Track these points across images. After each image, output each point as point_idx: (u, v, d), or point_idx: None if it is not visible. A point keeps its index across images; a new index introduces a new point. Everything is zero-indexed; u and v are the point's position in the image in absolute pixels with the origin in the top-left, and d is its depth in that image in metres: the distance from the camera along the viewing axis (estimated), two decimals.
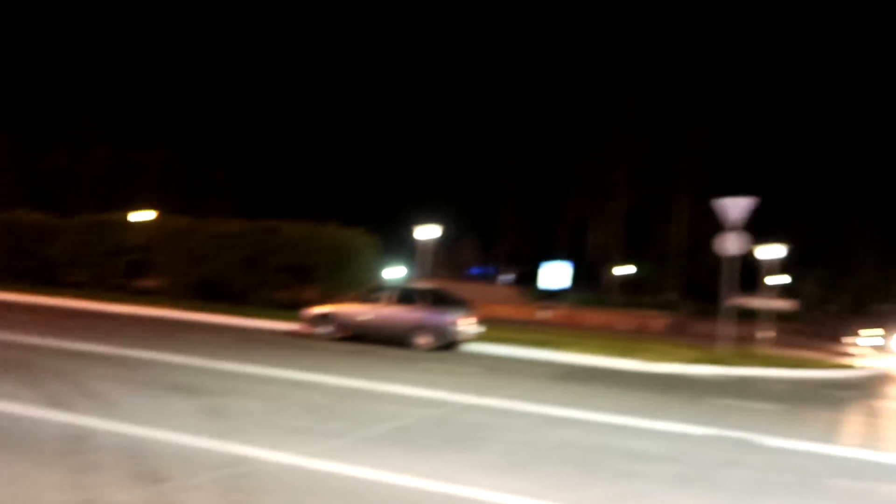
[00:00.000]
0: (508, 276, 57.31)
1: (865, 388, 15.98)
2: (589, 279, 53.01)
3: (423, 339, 15.90)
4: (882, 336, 30.66)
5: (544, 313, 36.92)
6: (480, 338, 17.07)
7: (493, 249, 61.88)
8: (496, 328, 19.82)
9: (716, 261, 19.49)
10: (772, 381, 15.32)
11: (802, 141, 51.03)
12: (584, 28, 52.19)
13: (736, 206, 18.78)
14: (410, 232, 31.19)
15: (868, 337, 30.85)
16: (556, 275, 51.24)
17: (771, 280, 28.09)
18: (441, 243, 37.49)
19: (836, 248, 52.50)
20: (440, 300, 16.77)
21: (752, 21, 50.04)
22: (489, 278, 56.76)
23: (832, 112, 49.60)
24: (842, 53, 50.66)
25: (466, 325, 16.44)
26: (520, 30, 51.31)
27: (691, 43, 50.57)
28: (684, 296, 49.28)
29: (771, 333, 24.54)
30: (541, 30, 51.51)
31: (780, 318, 28.00)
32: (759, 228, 21.80)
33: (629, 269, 53.32)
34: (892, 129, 50.35)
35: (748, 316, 24.39)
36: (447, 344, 16.08)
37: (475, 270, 60.37)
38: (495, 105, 53.43)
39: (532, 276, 52.19)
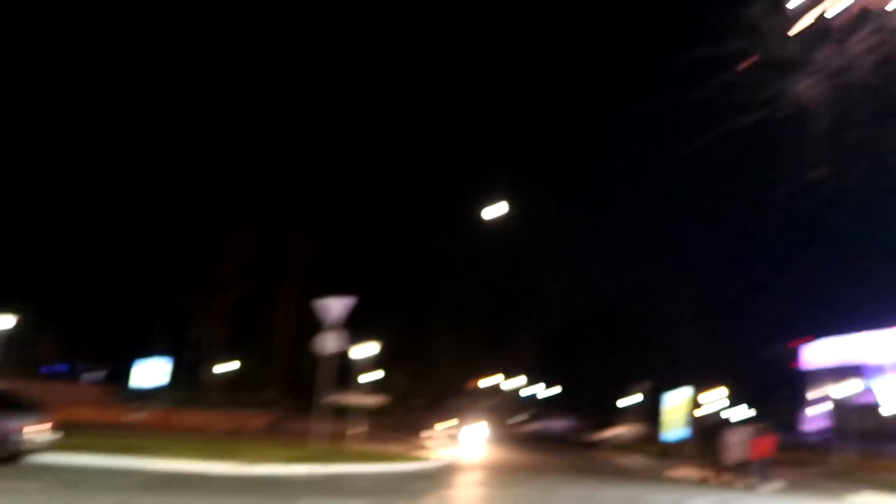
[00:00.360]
0: (96, 374, 51.99)
1: (438, 478, 17.67)
2: (189, 377, 50.62)
3: None
4: (455, 427, 34.45)
5: (135, 415, 34.06)
6: (54, 447, 15.01)
7: (80, 344, 55.71)
8: (76, 434, 17.63)
9: (317, 358, 20.16)
10: (360, 477, 16.08)
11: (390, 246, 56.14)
12: (195, 128, 51.90)
13: (336, 306, 19.83)
14: None
15: (444, 428, 34.35)
16: (151, 372, 47.87)
17: (364, 377, 29.92)
18: (14, 336, 32.76)
19: (420, 346, 58.20)
20: (4, 403, 14.46)
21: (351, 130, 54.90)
22: (73, 376, 50.78)
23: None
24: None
25: (36, 432, 14.35)
26: (129, 121, 49.11)
27: (298, 146, 53.38)
28: (287, 393, 49.75)
29: (363, 428, 25.92)
30: (153, 125, 49.84)
31: (371, 412, 29.79)
32: (356, 326, 23.17)
33: (233, 366, 52.33)
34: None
35: (343, 412, 25.53)
36: (10, 456, 13.82)
37: (57, 367, 53.60)
38: (95, 199, 49.56)
39: (125, 374, 48.04)
